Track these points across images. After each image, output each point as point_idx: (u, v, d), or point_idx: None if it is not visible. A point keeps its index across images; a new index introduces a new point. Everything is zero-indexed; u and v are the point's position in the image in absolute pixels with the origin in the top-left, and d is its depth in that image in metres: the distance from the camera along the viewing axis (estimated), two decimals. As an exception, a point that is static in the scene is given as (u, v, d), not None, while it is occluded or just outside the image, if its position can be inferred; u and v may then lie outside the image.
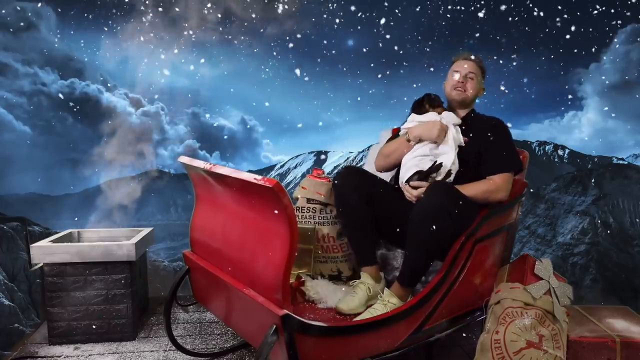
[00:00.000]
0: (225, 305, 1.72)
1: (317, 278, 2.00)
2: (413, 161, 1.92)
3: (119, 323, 2.16)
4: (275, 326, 1.32)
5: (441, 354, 2.05)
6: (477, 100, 2.09)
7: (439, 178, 1.85)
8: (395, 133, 2.20)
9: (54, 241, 2.22)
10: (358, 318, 1.67)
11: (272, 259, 1.34)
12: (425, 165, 1.87)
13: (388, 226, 1.93)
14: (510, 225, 2.04)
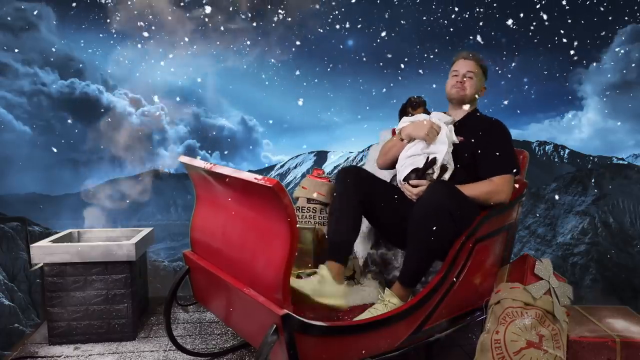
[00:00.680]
0: (226, 305, 1.72)
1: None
2: (408, 160, 1.94)
3: (119, 323, 2.16)
4: (275, 326, 1.32)
5: (441, 354, 2.05)
6: (477, 98, 2.08)
7: (435, 174, 1.86)
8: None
9: (54, 241, 2.22)
10: (358, 318, 1.67)
11: (272, 258, 1.34)
12: (420, 163, 1.89)
13: (388, 226, 1.93)
14: (511, 225, 2.04)
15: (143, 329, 2.31)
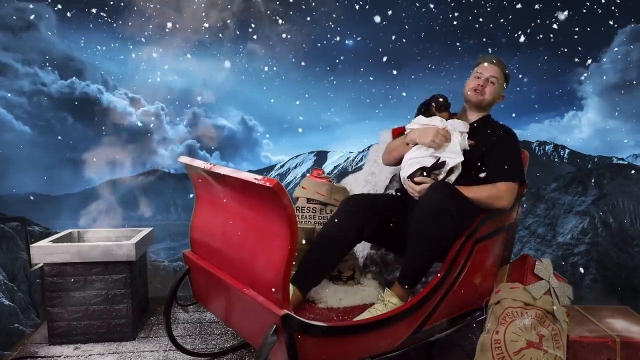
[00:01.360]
0: (225, 305, 1.72)
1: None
2: (414, 160, 1.92)
3: (119, 323, 2.16)
4: (275, 326, 1.32)
5: (441, 354, 2.05)
6: (494, 105, 2.06)
7: (441, 176, 1.85)
8: (397, 133, 2.21)
9: (54, 241, 2.22)
10: (358, 318, 1.67)
11: (272, 258, 1.34)
12: (428, 163, 1.87)
13: (389, 235, 1.93)
14: (510, 225, 2.04)
15: (143, 329, 2.31)
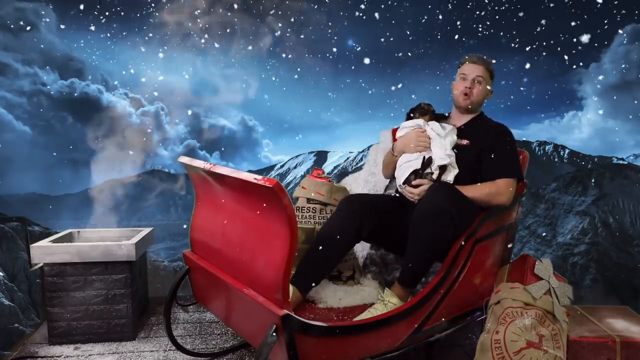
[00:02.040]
0: (225, 305, 1.72)
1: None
2: (405, 165, 1.96)
3: (119, 323, 2.16)
4: (275, 326, 1.32)
5: (441, 354, 2.05)
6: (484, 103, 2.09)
7: (435, 174, 1.87)
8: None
9: (54, 241, 2.22)
10: (358, 318, 1.67)
11: (272, 259, 1.34)
12: (418, 165, 1.92)
13: (388, 235, 1.93)
14: (510, 225, 2.04)
15: (143, 329, 2.31)
